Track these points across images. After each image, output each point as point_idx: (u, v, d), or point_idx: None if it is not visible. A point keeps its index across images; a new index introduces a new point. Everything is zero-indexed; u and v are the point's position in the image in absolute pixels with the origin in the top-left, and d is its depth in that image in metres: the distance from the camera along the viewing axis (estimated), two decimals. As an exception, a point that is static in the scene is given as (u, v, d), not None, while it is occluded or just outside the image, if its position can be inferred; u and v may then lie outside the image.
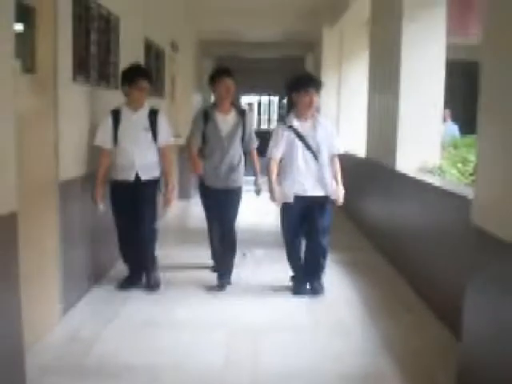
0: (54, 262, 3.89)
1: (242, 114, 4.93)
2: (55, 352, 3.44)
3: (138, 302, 4.41)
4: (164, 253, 5.32)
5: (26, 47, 3.57)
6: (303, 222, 4.64)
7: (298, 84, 4.56)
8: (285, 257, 4.81)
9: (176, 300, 4.48)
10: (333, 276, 5.07)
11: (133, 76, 4.50)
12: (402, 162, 5.47)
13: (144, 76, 4.58)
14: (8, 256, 2.74)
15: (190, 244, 6.29)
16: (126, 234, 4.69)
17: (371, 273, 5.25)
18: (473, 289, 2.86)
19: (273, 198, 4.66)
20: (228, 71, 4.88)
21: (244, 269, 5.28)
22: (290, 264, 4.82)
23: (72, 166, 4.21)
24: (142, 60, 6.17)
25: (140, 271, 4.74)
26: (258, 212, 7.94)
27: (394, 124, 5.56)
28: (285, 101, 15.93)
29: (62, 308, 3.99)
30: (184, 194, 9.46)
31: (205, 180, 4.89)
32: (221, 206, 4.87)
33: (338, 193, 4.58)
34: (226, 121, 4.86)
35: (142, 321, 4.02)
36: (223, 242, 4.96)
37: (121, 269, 4.95)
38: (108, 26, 5.04)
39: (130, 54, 5.54)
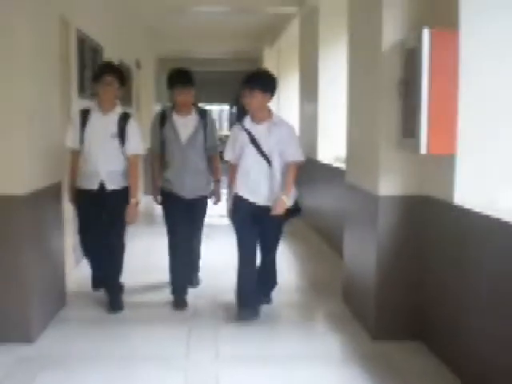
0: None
1: (203, 114, 4.56)
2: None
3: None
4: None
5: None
6: (253, 229, 4.24)
7: (244, 82, 4.20)
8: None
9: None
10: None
11: (100, 72, 4.26)
12: (321, 154, 7.26)
13: (111, 71, 4.22)
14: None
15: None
16: (89, 244, 4.41)
17: (303, 240, 7.02)
18: (347, 230, 4.59)
19: (227, 212, 4.37)
20: (185, 76, 4.48)
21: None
22: (238, 275, 4.27)
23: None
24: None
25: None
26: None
27: (315, 125, 7.35)
28: (234, 110, 17.55)
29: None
30: (149, 191, 11.01)
31: (169, 187, 4.50)
32: (187, 217, 4.51)
33: (279, 201, 4.06)
34: (185, 124, 4.50)
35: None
36: (186, 255, 4.59)
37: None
38: (96, 54, 6.64)
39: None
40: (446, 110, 3.22)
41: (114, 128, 4.20)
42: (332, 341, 3.84)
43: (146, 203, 8.29)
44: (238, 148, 4.21)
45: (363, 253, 4.06)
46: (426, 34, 3.21)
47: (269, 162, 4.12)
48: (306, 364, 3.47)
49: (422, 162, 3.60)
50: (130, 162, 4.28)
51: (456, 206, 3.24)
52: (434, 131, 3.23)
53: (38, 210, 3.87)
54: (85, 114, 4.24)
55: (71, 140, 4.26)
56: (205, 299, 4.64)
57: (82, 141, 4.19)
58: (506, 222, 2.77)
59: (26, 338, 3.67)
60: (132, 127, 4.26)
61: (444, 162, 3.36)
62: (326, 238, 6.69)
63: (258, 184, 4.15)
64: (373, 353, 3.60)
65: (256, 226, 4.23)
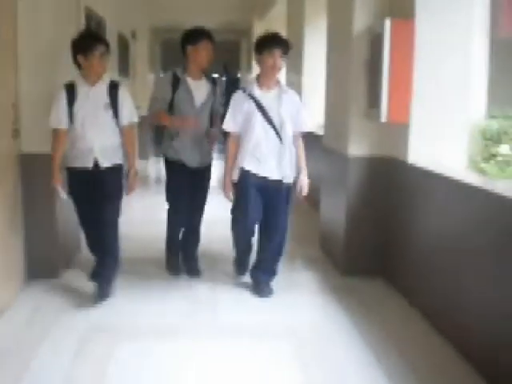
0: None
1: (214, 82, 4.41)
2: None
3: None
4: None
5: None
6: (259, 207, 4.00)
7: (260, 44, 3.91)
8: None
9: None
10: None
11: (90, 43, 3.84)
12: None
13: (102, 41, 3.92)
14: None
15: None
16: (89, 224, 4.16)
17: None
18: (323, 187, 5.34)
19: (223, 187, 4.06)
20: (208, 33, 4.30)
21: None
22: (237, 247, 4.33)
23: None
24: (116, 48, 8.38)
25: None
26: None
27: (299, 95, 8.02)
28: (223, 79, 18.09)
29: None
30: (143, 155, 11.67)
31: (176, 156, 4.32)
32: (194, 187, 4.39)
33: (302, 182, 4.06)
34: (199, 88, 4.30)
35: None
36: (190, 232, 4.56)
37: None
38: (99, 27, 7.24)
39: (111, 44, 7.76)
40: (403, 86, 3.96)
41: (105, 98, 3.92)
42: (309, 276, 4.61)
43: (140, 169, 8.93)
44: (241, 117, 3.92)
45: (336, 205, 4.82)
46: (387, 22, 3.93)
47: (278, 132, 3.89)
48: (287, 292, 4.23)
49: (384, 129, 4.34)
50: (127, 131, 4.05)
51: (409, 164, 4.00)
52: (392, 103, 3.98)
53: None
54: (70, 89, 3.88)
55: (57, 119, 3.88)
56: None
57: (71, 118, 3.87)
58: (445, 176, 3.53)
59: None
60: (124, 95, 4.01)
61: (400, 129, 4.11)
62: (306, 197, 7.41)
63: (267, 156, 3.90)
64: (341, 285, 4.39)
65: (261, 204, 3.99)
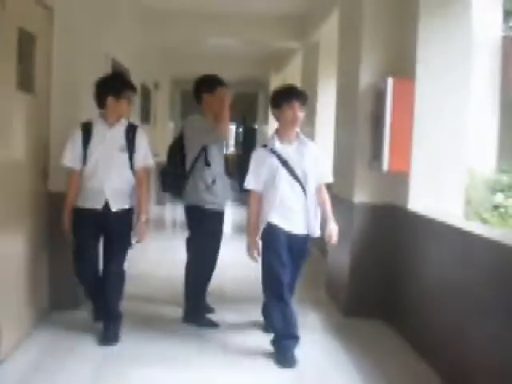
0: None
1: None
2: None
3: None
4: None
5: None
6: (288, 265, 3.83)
7: (278, 98, 3.86)
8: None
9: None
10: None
11: (123, 86, 3.97)
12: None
13: (132, 88, 4.03)
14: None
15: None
16: (85, 271, 4.05)
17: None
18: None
19: (250, 252, 3.85)
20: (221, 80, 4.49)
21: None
22: (273, 323, 3.91)
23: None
24: (139, 97, 8.84)
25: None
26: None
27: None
28: (241, 129, 18.61)
29: None
30: (161, 201, 12.02)
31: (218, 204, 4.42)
32: None
33: (331, 231, 3.88)
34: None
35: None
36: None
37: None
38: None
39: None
40: (403, 138, 4.29)
41: (122, 141, 3.94)
42: (314, 316, 4.83)
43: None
44: (265, 174, 3.81)
45: (341, 250, 5.05)
46: (390, 80, 4.29)
47: (302, 185, 3.80)
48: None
49: (386, 178, 4.63)
50: (140, 175, 4.03)
51: (409, 211, 4.28)
52: (393, 154, 4.29)
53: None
54: (86, 129, 3.94)
55: (71, 159, 3.92)
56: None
57: (85, 158, 3.90)
58: (444, 223, 3.79)
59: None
60: (141, 138, 4.03)
61: (401, 178, 4.40)
62: (313, 243, 7.67)
63: (294, 211, 3.80)
64: (344, 325, 4.61)
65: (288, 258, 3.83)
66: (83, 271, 4.05)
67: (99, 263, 4.09)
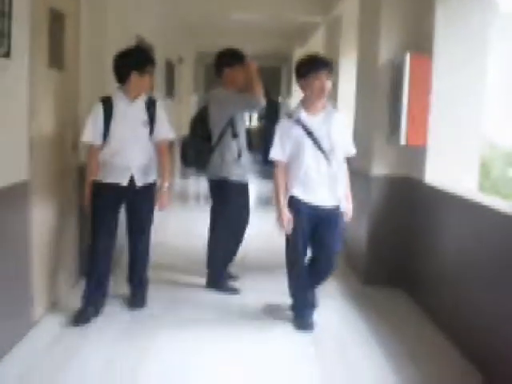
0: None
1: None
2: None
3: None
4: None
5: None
6: (310, 238, 3.86)
7: (304, 68, 3.74)
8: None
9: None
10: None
11: (145, 61, 3.95)
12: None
13: (153, 62, 4.03)
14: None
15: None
16: (100, 246, 3.98)
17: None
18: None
19: (280, 222, 3.80)
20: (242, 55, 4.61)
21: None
22: (293, 291, 4.02)
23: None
24: (163, 72, 9.00)
25: (101, 299, 4.09)
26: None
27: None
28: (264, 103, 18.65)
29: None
30: (184, 175, 12.22)
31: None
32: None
33: (346, 209, 3.89)
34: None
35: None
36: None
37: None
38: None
39: (159, 69, 8.37)
40: (421, 113, 4.39)
41: (143, 115, 3.94)
42: (333, 285, 4.96)
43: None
44: (289, 145, 3.74)
45: (360, 221, 5.20)
46: (407, 56, 4.38)
47: (328, 158, 3.71)
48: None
49: (403, 151, 4.75)
50: (161, 149, 4.08)
51: (426, 184, 4.40)
52: (411, 128, 4.40)
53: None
54: (107, 104, 3.88)
55: (92, 134, 3.88)
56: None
57: (106, 133, 3.87)
58: (459, 196, 3.90)
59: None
60: (161, 112, 4.04)
61: (418, 151, 4.51)
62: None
63: (319, 184, 3.74)
64: (362, 293, 4.79)
65: (308, 237, 3.84)
66: (99, 243, 3.99)
67: (116, 238, 4.11)
